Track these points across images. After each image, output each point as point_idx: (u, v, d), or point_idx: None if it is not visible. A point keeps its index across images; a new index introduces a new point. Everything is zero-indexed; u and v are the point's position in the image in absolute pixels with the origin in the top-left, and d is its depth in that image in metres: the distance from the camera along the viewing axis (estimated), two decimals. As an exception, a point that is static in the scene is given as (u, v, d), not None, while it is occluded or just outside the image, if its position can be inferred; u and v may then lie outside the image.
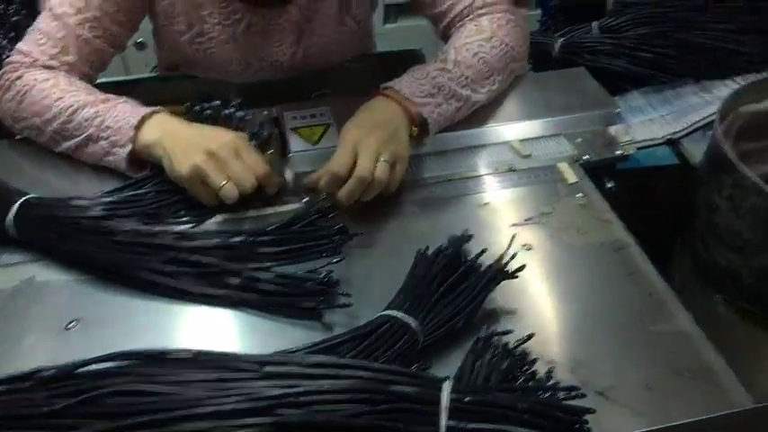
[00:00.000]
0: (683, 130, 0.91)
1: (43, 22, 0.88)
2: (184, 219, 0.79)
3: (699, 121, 0.91)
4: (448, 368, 0.61)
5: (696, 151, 0.88)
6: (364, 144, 0.76)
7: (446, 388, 0.52)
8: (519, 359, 0.59)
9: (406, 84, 0.84)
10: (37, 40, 0.87)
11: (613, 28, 1.23)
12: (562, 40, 1.18)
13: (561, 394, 0.54)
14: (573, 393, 0.54)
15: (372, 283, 0.71)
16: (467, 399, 0.51)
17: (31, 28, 0.90)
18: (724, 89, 0.98)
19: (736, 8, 1.16)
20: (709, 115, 0.91)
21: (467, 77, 0.87)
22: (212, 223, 0.79)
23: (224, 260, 0.72)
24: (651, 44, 1.12)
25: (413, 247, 0.71)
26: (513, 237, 0.69)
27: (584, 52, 1.16)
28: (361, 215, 0.78)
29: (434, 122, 0.84)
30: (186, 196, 0.79)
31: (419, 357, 0.62)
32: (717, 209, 0.69)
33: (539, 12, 1.77)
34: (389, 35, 2.11)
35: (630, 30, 1.21)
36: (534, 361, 0.60)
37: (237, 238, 0.74)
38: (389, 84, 0.85)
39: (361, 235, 0.76)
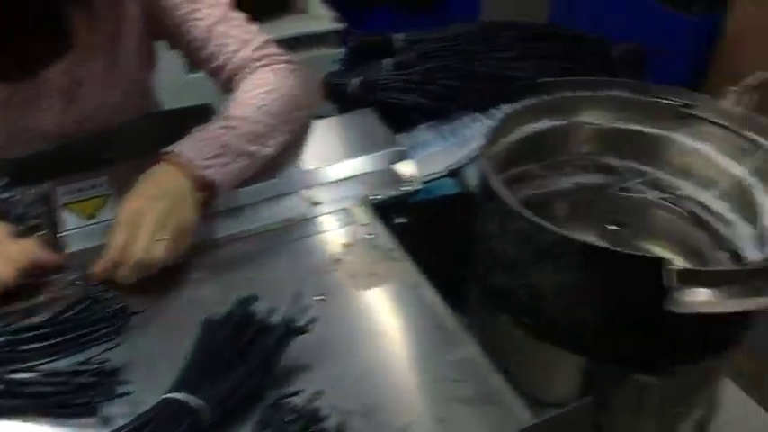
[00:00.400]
0: (464, 159, 0.95)
1: None
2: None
3: (476, 149, 0.96)
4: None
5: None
6: (141, 223, 0.72)
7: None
8: (310, 419, 0.58)
9: (189, 147, 0.81)
10: None
11: (403, 64, 1.28)
12: (358, 79, 1.22)
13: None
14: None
15: (159, 363, 0.67)
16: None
17: None
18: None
19: (511, 38, 1.26)
20: (485, 143, 0.97)
21: (252, 133, 0.86)
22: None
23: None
24: (437, 77, 1.18)
25: (202, 317, 0.67)
26: (298, 292, 0.68)
27: (379, 89, 1.20)
28: (143, 290, 0.74)
29: (222, 183, 0.82)
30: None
31: (210, 435, 0.59)
32: (491, 235, 0.72)
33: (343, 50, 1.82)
34: (194, 85, 2.06)
35: (419, 65, 1.27)
36: (324, 418, 0.59)
37: None
38: (171, 148, 0.82)
39: (144, 312, 0.71)
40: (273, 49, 0.96)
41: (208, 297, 0.74)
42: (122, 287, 0.73)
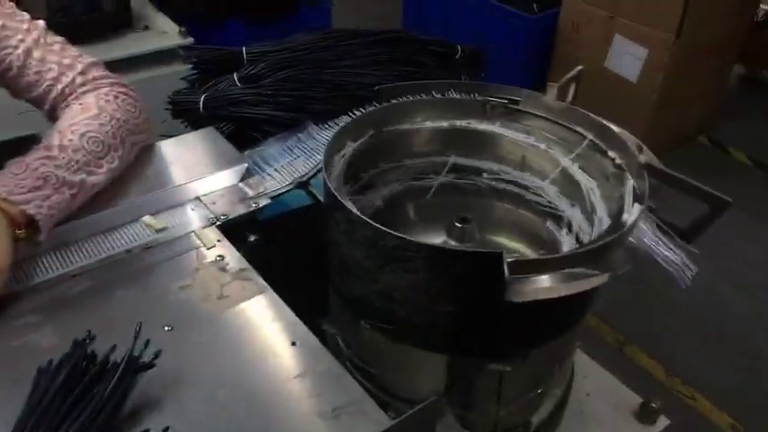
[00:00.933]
0: (311, 170, 0.95)
1: None
2: None
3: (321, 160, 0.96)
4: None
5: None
6: None
7: None
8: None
9: (3, 182, 0.75)
10: None
11: (253, 77, 1.25)
12: (205, 95, 1.18)
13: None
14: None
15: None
16: None
17: None
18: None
19: (358, 44, 1.27)
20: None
21: (77, 161, 0.80)
22: None
23: None
24: (287, 88, 1.16)
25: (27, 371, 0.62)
26: (139, 326, 0.64)
27: (228, 104, 1.17)
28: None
29: (45, 218, 0.76)
30: None
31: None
32: (340, 243, 0.72)
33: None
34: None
35: (269, 77, 1.26)
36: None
37: None
38: None
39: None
40: (98, 72, 0.90)
41: (43, 343, 0.68)
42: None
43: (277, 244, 0.85)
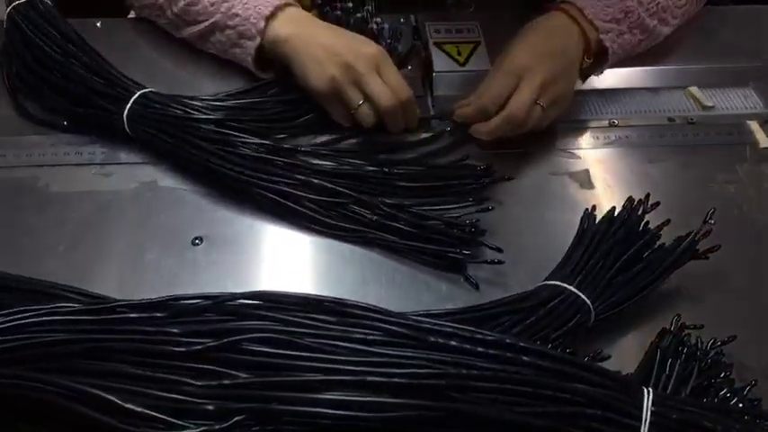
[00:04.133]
0: None
1: None
2: (313, 137, 0.70)
3: None
4: (616, 358, 0.53)
5: None
6: (528, 78, 0.65)
7: (647, 398, 0.44)
8: (714, 364, 0.50)
9: (591, 1, 0.71)
10: None
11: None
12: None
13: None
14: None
15: (522, 240, 0.62)
16: (674, 416, 0.43)
17: None
18: None
19: None
20: None
21: (657, 4, 0.73)
22: (343, 146, 0.70)
23: (357, 191, 0.64)
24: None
25: (570, 202, 0.63)
26: (712, 211, 0.57)
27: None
28: (507, 156, 0.68)
29: (614, 55, 0.71)
30: (315, 109, 0.70)
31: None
32: None
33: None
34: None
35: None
36: (730, 366, 0.51)
37: (371, 167, 0.66)
38: None
39: (512, 180, 0.66)
40: None
41: (578, 181, 0.67)
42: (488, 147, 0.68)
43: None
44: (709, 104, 0.74)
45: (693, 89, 0.75)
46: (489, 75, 0.68)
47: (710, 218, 0.58)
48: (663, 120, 0.73)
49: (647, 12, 0.73)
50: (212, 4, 0.72)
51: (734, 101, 0.75)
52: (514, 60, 0.66)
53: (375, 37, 0.75)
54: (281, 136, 0.69)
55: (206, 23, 0.73)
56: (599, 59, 0.72)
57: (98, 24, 0.81)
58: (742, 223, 0.64)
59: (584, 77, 0.74)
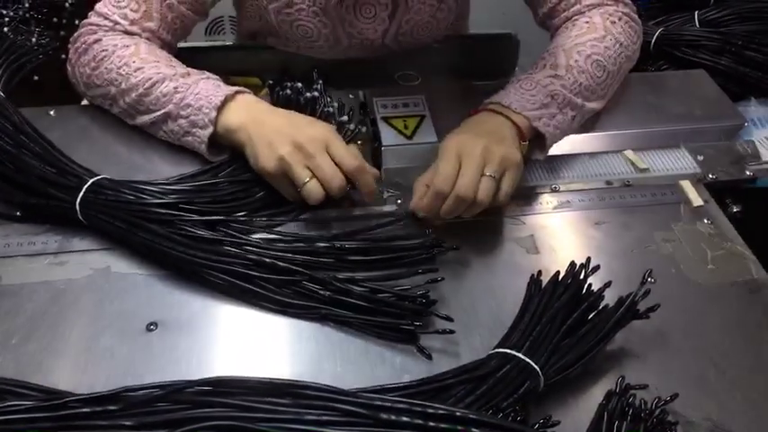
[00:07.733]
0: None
1: None
2: (263, 217, 0.72)
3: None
4: (566, 422, 0.54)
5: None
6: (467, 154, 0.67)
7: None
8: (659, 423, 0.52)
9: (515, 97, 0.75)
10: (117, 2, 0.79)
11: (715, 21, 1.13)
12: (660, 30, 1.09)
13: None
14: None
15: (473, 307, 0.64)
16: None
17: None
18: None
19: None
20: None
21: (579, 84, 0.77)
22: (293, 224, 0.72)
23: (309, 268, 0.65)
24: (759, 43, 1.02)
25: (517, 267, 0.65)
26: (649, 271, 0.60)
27: (683, 46, 1.07)
28: (454, 225, 0.70)
29: (551, 136, 0.75)
30: (266, 189, 0.72)
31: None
32: None
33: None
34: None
35: (735, 24, 1.12)
36: (675, 425, 0.53)
37: (322, 243, 0.67)
38: (495, 98, 0.76)
39: (459, 250, 0.68)
40: None
41: (524, 247, 0.70)
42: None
43: (764, 223, 0.75)
44: (644, 166, 0.78)
45: (629, 152, 0.79)
46: (434, 164, 0.70)
47: (649, 277, 0.60)
48: (601, 183, 0.77)
49: (571, 92, 0.77)
50: (164, 95, 0.74)
51: (667, 162, 0.79)
52: (449, 145, 0.69)
53: (325, 115, 0.78)
54: (234, 216, 0.70)
55: (159, 113, 0.75)
56: (538, 143, 0.76)
57: (51, 113, 0.83)
58: (680, 281, 0.67)
59: (527, 161, 0.77)
